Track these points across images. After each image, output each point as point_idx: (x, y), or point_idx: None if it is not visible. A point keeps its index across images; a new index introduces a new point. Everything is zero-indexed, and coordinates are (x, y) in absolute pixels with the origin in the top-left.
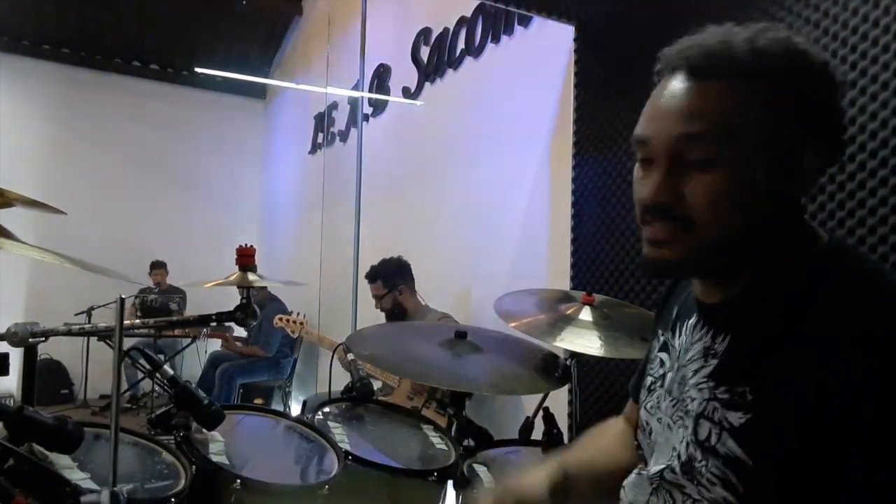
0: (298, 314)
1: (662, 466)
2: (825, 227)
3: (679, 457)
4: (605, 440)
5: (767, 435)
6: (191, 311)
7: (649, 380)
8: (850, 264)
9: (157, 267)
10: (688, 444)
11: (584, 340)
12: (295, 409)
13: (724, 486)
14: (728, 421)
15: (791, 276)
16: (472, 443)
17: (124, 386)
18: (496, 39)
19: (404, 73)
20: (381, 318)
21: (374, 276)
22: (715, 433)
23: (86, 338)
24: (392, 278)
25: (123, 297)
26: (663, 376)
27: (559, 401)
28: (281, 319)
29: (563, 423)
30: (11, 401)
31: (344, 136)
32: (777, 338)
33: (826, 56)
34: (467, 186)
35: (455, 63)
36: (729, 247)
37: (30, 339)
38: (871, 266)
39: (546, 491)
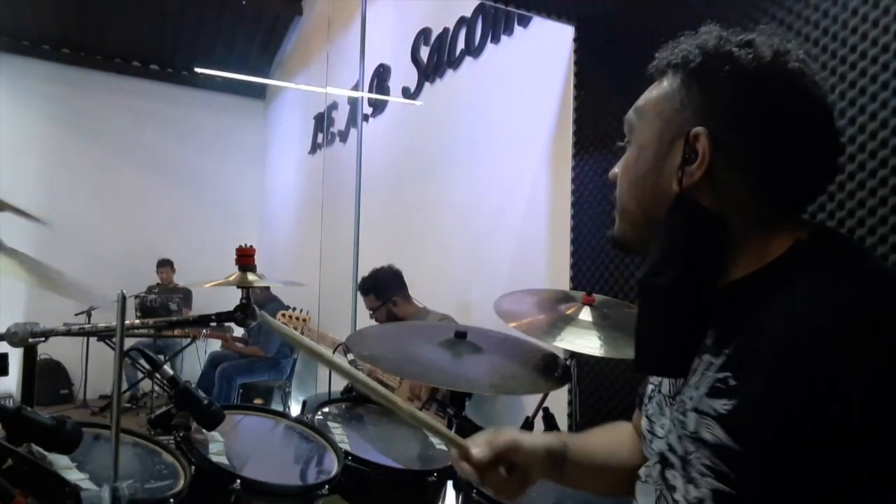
0: (302, 311)
1: (662, 468)
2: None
3: (676, 452)
4: (611, 436)
5: (752, 420)
6: (192, 310)
7: (650, 388)
8: (819, 264)
9: (163, 265)
10: (681, 437)
11: (584, 340)
12: (295, 409)
13: (716, 477)
14: (714, 409)
15: (764, 269)
16: None
17: (124, 385)
18: (496, 39)
19: (404, 74)
20: None
21: (366, 289)
22: (704, 423)
23: (86, 338)
24: (385, 290)
25: (125, 293)
26: (661, 381)
27: (559, 401)
28: (284, 315)
29: (562, 423)
30: (11, 401)
31: (344, 136)
32: (744, 327)
33: (792, 74)
34: (467, 186)
35: (455, 63)
36: (636, 221)
37: (30, 339)
38: (834, 270)
39: (543, 450)
